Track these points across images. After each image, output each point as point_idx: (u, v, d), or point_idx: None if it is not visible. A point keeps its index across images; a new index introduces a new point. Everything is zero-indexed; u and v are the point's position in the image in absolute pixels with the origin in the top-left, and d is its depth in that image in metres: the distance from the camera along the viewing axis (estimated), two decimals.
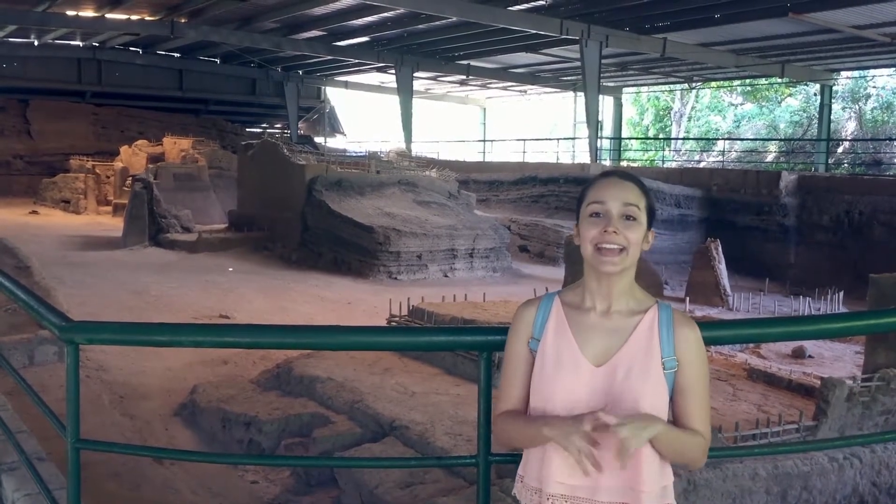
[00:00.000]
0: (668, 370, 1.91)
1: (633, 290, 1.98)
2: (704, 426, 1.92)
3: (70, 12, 23.08)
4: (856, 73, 31.25)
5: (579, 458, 1.79)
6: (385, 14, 21.65)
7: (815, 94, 30.06)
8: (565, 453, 1.86)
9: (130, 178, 22.27)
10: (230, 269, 15.24)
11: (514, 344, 2.06)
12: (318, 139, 34.55)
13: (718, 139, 35.29)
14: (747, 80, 32.64)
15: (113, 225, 21.02)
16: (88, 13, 23.42)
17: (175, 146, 26.22)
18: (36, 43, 28.88)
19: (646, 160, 35.75)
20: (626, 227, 1.91)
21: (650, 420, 1.82)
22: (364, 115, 45.18)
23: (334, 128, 39.68)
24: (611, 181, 1.96)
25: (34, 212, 24.77)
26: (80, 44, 29.93)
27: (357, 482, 5.07)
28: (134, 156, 26.40)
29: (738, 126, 37.16)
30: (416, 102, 30.56)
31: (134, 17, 23.81)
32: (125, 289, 12.68)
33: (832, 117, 28.33)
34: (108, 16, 23.50)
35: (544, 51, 25.02)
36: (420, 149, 31.84)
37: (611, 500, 1.89)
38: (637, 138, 39.58)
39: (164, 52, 31.42)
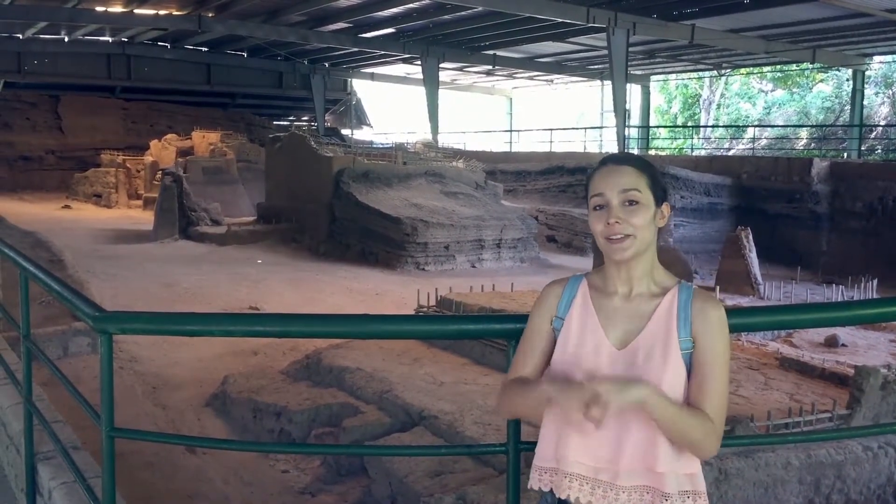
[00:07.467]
0: (684, 351, 1.89)
1: (654, 272, 1.98)
2: (716, 411, 1.86)
3: (99, 8, 23.36)
4: (889, 58, 30.61)
5: (576, 417, 1.77)
6: (410, 5, 21.61)
7: (847, 80, 29.55)
8: (584, 432, 1.85)
9: (160, 172, 22.49)
10: (259, 261, 15.38)
11: (537, 319, 2.06)
12: (345, 131, 34.60)
13: (748, 126, 34.78)
14: (777, 67, 32.11)
15: (143, 218, 21.27)
16: (117, 9, 23.67)
17: (204, 140, 26.44)
18: (66, 39, 29.17)
19: (674, 148, 35.40)
20: (629, 213, 1.91)
21: (636, 383, 1.79)
22: (390, 107, 45.31)
23: (361, 120, 39.73)
24: (606, 170, 1.96)
25: (67, 206, 25.13)
26: (110, 39, 30.25)
27: (387, 471, 5.10)
28: (163, 150, 26.65)
29: (768, 113, 36.63)
30: (443, 93, 30.46)
31: (162, 13, 23.99)
32: (156, 281, 12.84)
33: (865, 102, 27.75)
34: (137, 11, 23.72)
35: (571, 39, 24.81)
36: (446, 140, 31.80)
37: (633, 483, 1.86)
38: (665, 126, 39.20)
39: (191, 47, 31.69)
